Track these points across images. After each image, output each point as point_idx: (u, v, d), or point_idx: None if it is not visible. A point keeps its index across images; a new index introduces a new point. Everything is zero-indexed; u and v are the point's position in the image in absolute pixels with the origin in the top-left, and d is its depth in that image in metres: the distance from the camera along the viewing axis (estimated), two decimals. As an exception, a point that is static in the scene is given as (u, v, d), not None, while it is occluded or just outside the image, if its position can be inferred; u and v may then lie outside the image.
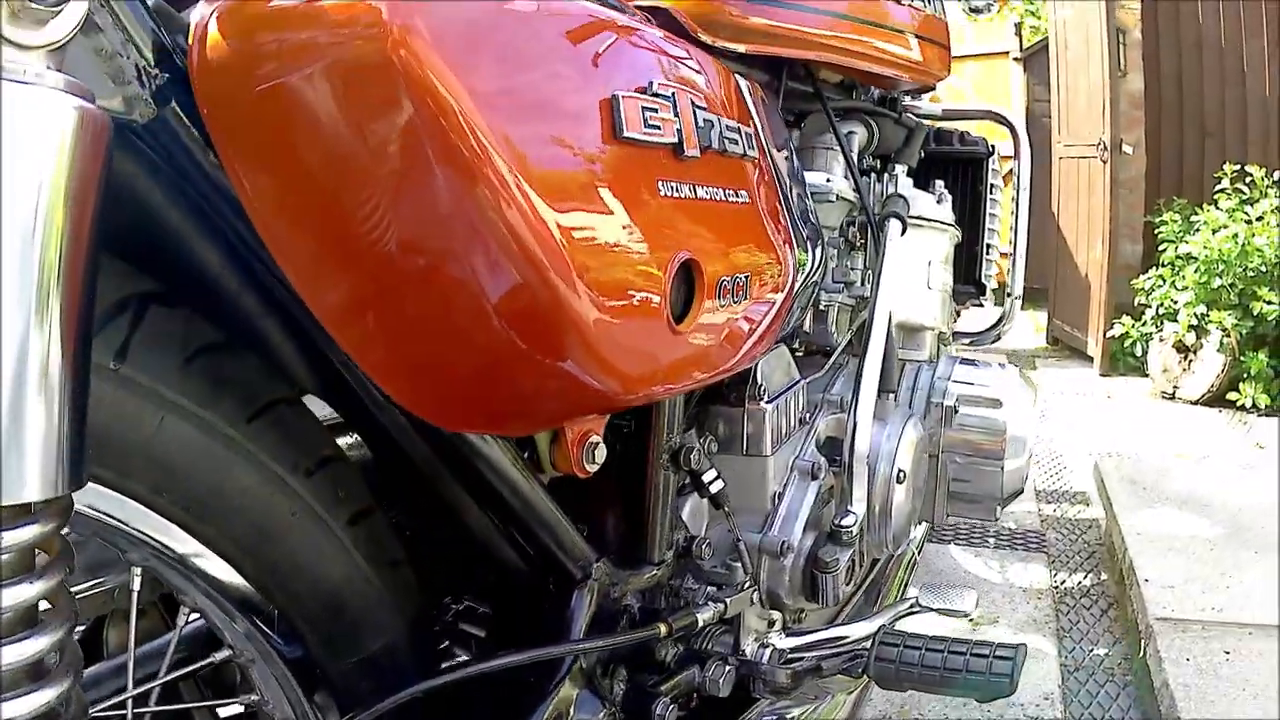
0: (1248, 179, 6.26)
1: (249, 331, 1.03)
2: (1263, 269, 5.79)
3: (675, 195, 1.06)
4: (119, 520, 0.97)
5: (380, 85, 0.80)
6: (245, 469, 1.01)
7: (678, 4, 1.59)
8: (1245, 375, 5.73)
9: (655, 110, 1.03)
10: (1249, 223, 5.90)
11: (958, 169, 2.60)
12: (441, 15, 0.82)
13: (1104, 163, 6.69)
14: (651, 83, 1.05)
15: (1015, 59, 9.50)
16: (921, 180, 2.29)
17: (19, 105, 0.66)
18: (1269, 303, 5.64)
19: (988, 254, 2.58)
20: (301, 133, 0.83)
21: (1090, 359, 6.96)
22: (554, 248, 0.87)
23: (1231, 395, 5.75)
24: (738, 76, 1.41)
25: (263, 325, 1.04)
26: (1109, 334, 6.59)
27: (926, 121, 2.48)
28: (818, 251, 1.55)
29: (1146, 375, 6.40)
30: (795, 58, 1.80)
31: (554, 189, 0.88)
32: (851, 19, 1.86)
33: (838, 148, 1.95)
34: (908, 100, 2.31)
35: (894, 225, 1.91)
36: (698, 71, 1.22)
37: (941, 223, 2.15)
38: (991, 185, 2.58)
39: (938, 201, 2.15)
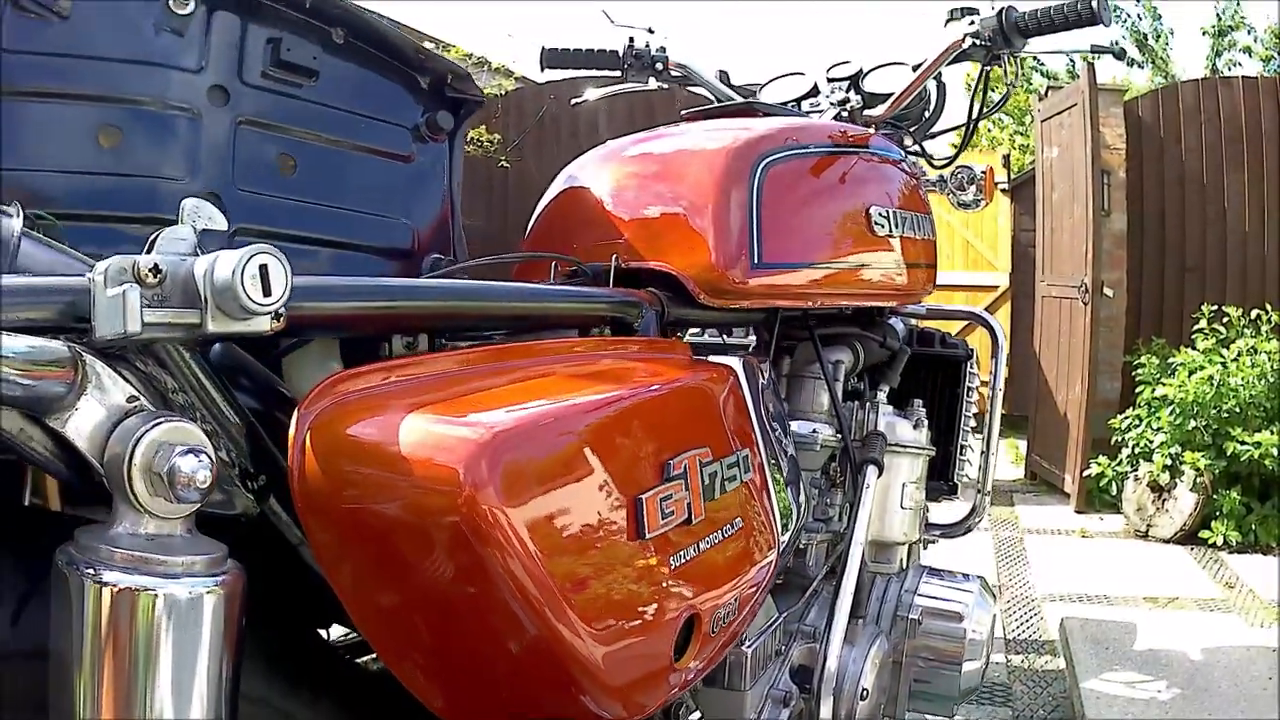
0: (1225, 319, 6.46)
1: None
2: (1237, 409, 5.95)
3: (685, 560, 1.28)
4: None
5: (447, 529, 1.00)
6: None
7: (684, 270, 1.81)
8: (1217, 513, 5.87)
9: (671, 496, 1.25)
10: (1224, 365, 6.06)
11: (937, 369, 2.77)
12: (505, 478, 1.02)
13: (1085, 304, 6.84)
14: (667, 467, 1.27)
15: (1003, 190, 9.70)
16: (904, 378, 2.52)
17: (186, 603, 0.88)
18: (1242, 443, 5.77)
19: (962, 454, 2.75)
20: (380, 545, 1.04)
21: (1066, 495, 7.08)
22: (579, 636, 1.09)
23: (1204, 533, 5.88)
24: (735, 367, 1.62)
25: None
26: (1085, 473, 6.70)
27: (915, 319, 2.69)
28: (801, 509, 1.76)
29: (1121, 512, 6.51)
30: (791, 307, 2.02)
31: (584, 590, 1.10)
32: (844, 266, 2.09)
33: (824, 377, 2.17)
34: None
35: (872, 470, 2.11)
36: (704, 415, 1.44)
37: (918, 448, 2.35)
38: (969, 388, 2.76)
39: (914, 426, 2.35)
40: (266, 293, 0.94)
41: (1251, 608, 4.80)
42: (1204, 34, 14.80)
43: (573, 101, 3.32)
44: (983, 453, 2.83)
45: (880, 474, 2.15)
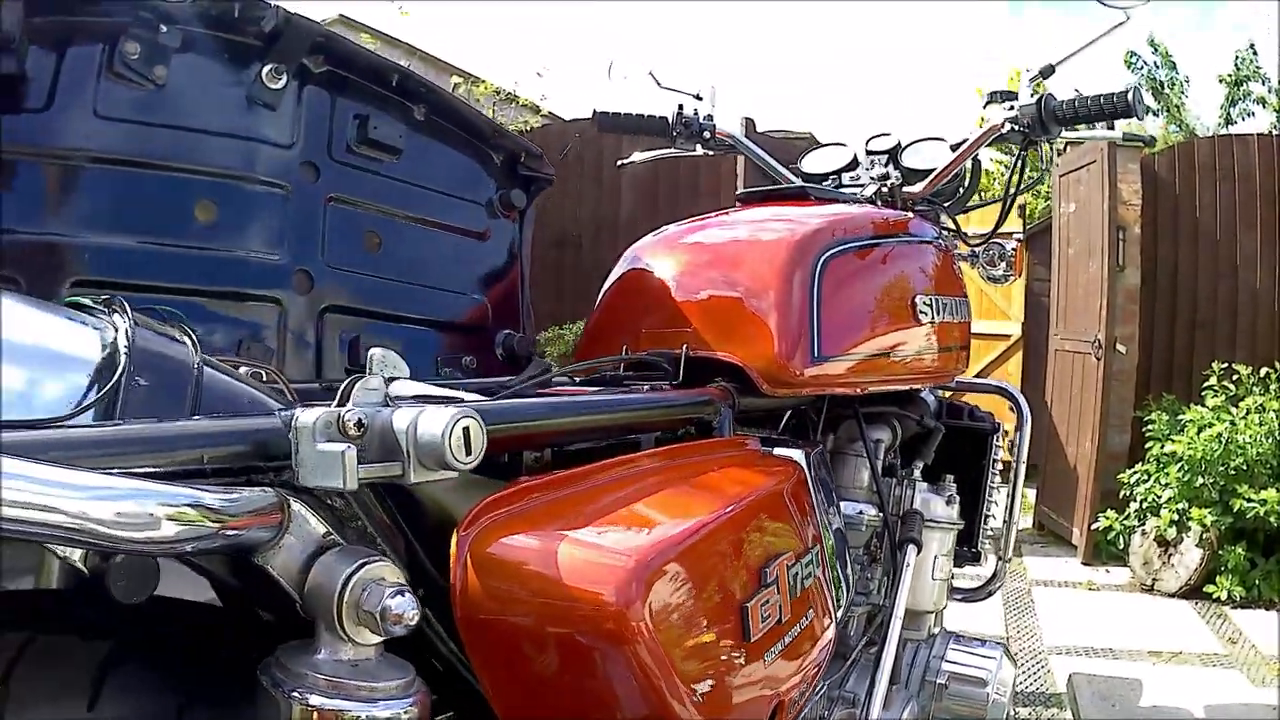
0: (1234, 376, 6.57)
1: None
2: (1244, 467, 6.05)
3: (775, 656, 1.45)
4: None
5: (601, 638, 1.16)
6: None
7: (749, 362, 1.96)
8: (1222, 568, 5.98)
9: (768, 602, 1.43)
10: (1232, 423, 6.16)
11: (964, 440, 2.88)
12: (645, 596, 1.17)
13: (1098, 360, 6.95)
14: (764, 574, 1.44)
15: (1018, 239, 9.79)
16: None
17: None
18: (1248, 500, 5.88)
19: (985, 524, 2.89)
20: (536, 652, 1.18)
21: (1074, 547, 7.18)
22: None
23: (1208, 587, 5.99)
24: (799, 460, 1.77)
25: None
26: (1093, 526, 6.81)
27: (944, 391, 2.83)
28: (850, 585, 1.92)
29: (1127, 566, 6.60)
30: (842, 394, 2.16)
31: (702, 687, 1.26)
32: (892, 353, 2.24)
33: (865, 454, 2.32)
34: None
35: (912, 550, 2.27)
36: (785, 518, 1.60)
37: (950, 523, 2.50)
38: (994, 460, 2.89)
39: (947, 503, 2.49)
40: (468, 451, 1.07)
41: (1254, 663, 4.93)
42: (1220, 82, 14.91)
43: (619, 163, 3.42)
44: (1004, 522, 2.97)
45: (919, 552, 2.30)
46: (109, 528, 0.84)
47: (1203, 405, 6.54)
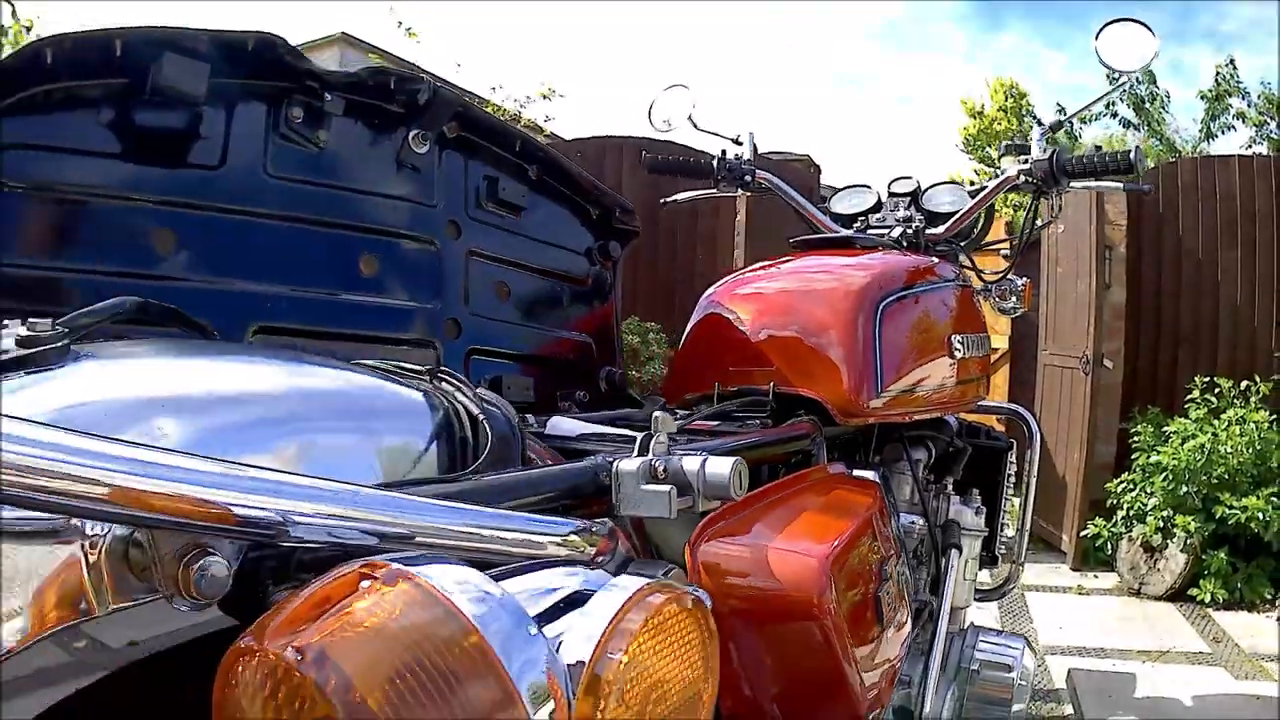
0: (1216, 389, 6.83)
1: None
2: (1226, 475, 6.33)
3: (891, 634, 1.87)
4: None
5: (803, 618, 1.57)
6: None
7: (826, 397, 2.29)
8: (1206, 572, 6.27)
9: (889, 592, 1.86)
10: (1214, 435, 6.42)
11: (980, 457, 3.20)
12: (832, 586, 1.58)
13: (1086, 374, 7.19)
14: (884, 570, 1.87)
15: (1005, 256, 9.96)
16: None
17: None
18: (1230, 507, 6.17)
19: (1001, 532, 3.22)
20: (754, 631, 1.58)
21: (1063, 553, 7.43)
22: (861, 682, 1.67)
23: (1193, 590, 6.29)
24: (876, 480, 2.13)
25: None
26: (1082, 533, 7.08)
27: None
28: (912, 586, 2.27)
29: (1115, 570, 6.89)
30: (894, 420, 2.48)
31: (861, 651, 1.68)
32: (934, 387, 2.57)
33: (909, 474, 2.66)
34: None
35: (954, 553, 2.60)
36: (883, 525, 1.98)
37: (978, 531, 2.83)
38: (1008, 475, 3.23)
39: (975, 513, 2.83)
40: (741, 486, 1.40)
41: (1236, 661, 5.25)
42: (1201, 98, 15.13)
43: (663, 202, 3.69)
44: (1018, 529, 3.31)
45: (961, 555, 2.64)
46: (513, 546, 1.14)
47: (1186, 417, 6.80)
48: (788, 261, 2.71)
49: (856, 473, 2.15)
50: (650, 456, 1.40)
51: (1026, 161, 2.96)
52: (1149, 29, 2.80)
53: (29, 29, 6.01)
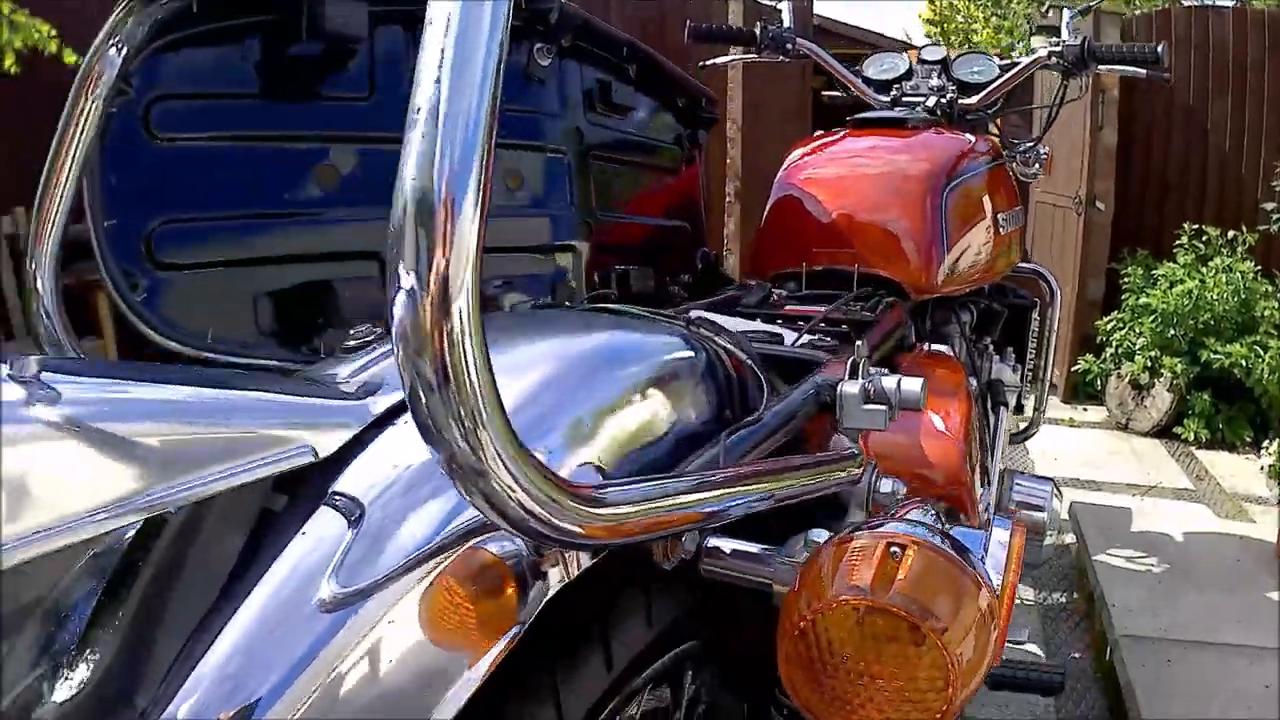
0: (1204, 237, 6.99)
1: None
2: (1211, 321, 6.52)
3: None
4: None
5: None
6: None
7: (903, 277, 2.53)
8: (1190, 412, 6.52)
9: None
10: (1202, 282, 6.59)
11: (1010, 315, 3.44)
12: None
13: (1079, 215, 7.34)
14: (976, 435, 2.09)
15: (1046, 151, 9.91)
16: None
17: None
18: (1215, 352, 6.37)
19: (1025, 383, 3.49)
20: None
21: (1054, 386, 7.47)
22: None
23: (1177, 428, 6.55)
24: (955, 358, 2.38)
25: None
26: (1073, 368, 7.28)
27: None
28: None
29: (1103, 405, 7.13)
30: (954, 293, 2.73)
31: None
32: (985, 261, 2.80)
33: (958, 331, 2.88)
34: None
35: (1003, 410, 2.86)
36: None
37: (1014, 386, 3.10)
38: (1033, 331, 3.49)
39: (1012, 370, 3.10)
40: (922, 401, 1.58)
41: (1218, 499, 5.53)
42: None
43: (701, 65, 3.67)
44: (1040, 380, 3.59)
45: (1008, 409, 2.90)
46: (808, 480, 1.34)
47: (1174, 262, 6.94)
48: (850, 140, 2.88)
49: (936, 349, 2.41)
50: (865, 379, 1.56)
51: (1058, 44, 3.11)
52: None
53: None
